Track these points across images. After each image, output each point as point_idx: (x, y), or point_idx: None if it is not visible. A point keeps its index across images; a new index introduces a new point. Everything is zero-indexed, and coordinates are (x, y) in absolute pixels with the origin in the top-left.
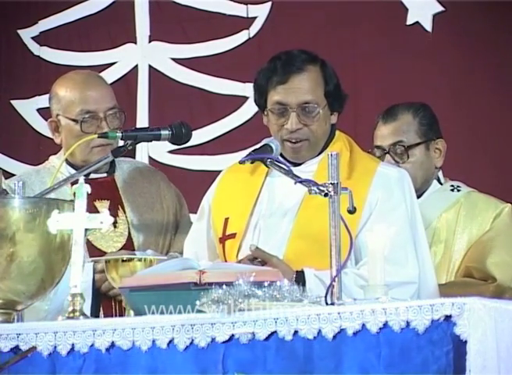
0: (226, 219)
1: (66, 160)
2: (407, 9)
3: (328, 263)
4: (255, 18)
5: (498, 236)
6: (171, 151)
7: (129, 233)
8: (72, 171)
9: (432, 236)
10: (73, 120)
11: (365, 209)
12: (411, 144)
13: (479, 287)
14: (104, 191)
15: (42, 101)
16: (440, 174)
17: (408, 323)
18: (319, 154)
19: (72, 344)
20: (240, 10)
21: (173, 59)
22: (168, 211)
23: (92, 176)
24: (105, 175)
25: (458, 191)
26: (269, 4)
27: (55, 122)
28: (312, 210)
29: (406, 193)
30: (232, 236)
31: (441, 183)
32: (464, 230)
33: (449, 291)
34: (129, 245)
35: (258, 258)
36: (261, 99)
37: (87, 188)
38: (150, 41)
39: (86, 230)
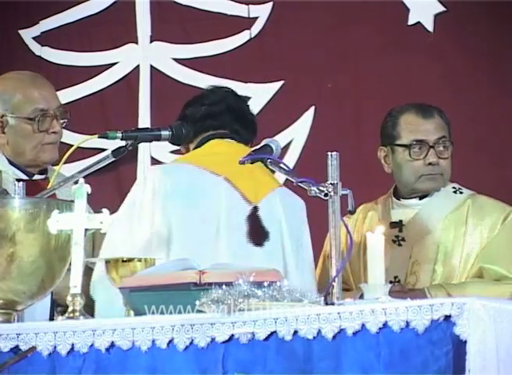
0: None
1: (8, 160)
2: (408, 9)
3: None
4: (256, 18)
5: (508, 238)
6: (173, 152)
7: None
8: (16, 171)
9: (439, 237)
10: (28, 119)
11: None
12: (452, 141)
13: (499, 288)
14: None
15: None
16: None
17: (408, 323)
18: None
19: (72, 344)
20: (241, 10)
21: (175, 59)
22: None
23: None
24: (43, 176)
25: (460, 193)
26: (270, 4)
27: (0, 122)
28: None
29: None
30: None
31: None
32: (474, 231)
33: (465, 291)
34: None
35: None
36: None
37: (87, 188)
38: (151, 41)
39: (86, 230)
